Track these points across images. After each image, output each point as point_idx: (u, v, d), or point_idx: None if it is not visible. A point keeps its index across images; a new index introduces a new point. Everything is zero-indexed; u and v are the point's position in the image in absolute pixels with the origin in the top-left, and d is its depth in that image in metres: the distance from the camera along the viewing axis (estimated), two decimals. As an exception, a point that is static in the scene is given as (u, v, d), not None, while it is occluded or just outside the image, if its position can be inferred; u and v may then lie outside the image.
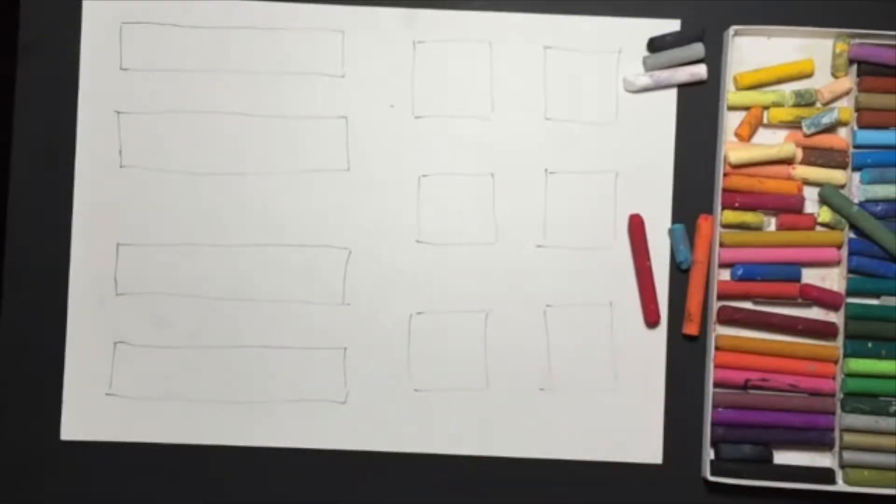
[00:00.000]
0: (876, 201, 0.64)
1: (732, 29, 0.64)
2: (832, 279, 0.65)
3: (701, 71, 0.65)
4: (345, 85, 0.66)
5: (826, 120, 0.64)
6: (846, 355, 0.64)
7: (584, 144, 0.66)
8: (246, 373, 0.65)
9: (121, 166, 0.66)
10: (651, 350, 0.65)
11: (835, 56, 0.65)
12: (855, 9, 0.66)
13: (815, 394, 0.64)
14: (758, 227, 0.65)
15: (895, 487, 0.63)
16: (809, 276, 0.65)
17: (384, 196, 0.66)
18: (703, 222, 0.65)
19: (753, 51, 0.66)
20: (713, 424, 0.64)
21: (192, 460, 0.65)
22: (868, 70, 0.65)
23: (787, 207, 0.65)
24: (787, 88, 0.65)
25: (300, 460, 0.65)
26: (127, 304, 0.65)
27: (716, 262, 0.64)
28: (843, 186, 0.65)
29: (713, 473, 0.63)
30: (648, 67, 0.65)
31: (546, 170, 0.66)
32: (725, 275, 0.65)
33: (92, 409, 0.65)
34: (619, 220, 0.66)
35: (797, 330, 0.64)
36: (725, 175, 0.65)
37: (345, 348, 0.65)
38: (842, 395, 0.64)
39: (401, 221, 0.66)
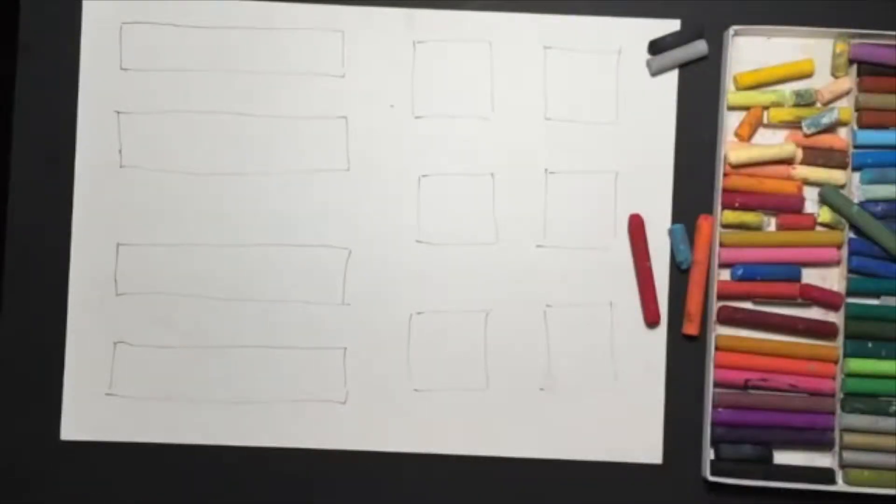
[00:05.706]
0: (876, 201, 0.64)
1: (732, 29, 0.64)
2: (832, 279, 0.65)
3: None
4: (345, 85, 0.66)
5: (826, 120, 0.64)
6: (846, 355, 0.64)
7: (584, 144, 0.66)
8: (246, 373, 0.65)
9: (121, 166, 0.66)
10: (651, 350, 0.65)
11: (835, 56, 0.65)
12: (855, 9, 0.66)
13: (815, 394, 0.64)
14: (758, 227, 0.65)
15: (895, 487, 0.63)
16: (809, 276, 0.65)
17: (384, 196, 0.66)
18: (703, 222, 0.65)
19: (753, 51, 0.66)
20: (713, 424, 0.64)
21: (191, 460, 0.65)
22: (868, 70, 0.65)
23: (787, 207, 0.65)
24: (787, 88, 0.65)
25: (300, 460, 0.65)
26: (127, 304, 0.65)
27: (716, 262, 0.64)
28: (843, 186, 0.65)
29: (713, 473, 0.63)
30: (654, 71, 0.65)
31: (546, 170, 0.66)
32: (725, 275, 0.65)
33: (92, 409, 0.65)
34: (619, 220, 0.66)
35: (797, 330, 0.64)
36: (725, 175, 0.65)
37: (345, 348, 0.65)
38: (842, 395, 0.64)
39: (401, 221, 0.66)
